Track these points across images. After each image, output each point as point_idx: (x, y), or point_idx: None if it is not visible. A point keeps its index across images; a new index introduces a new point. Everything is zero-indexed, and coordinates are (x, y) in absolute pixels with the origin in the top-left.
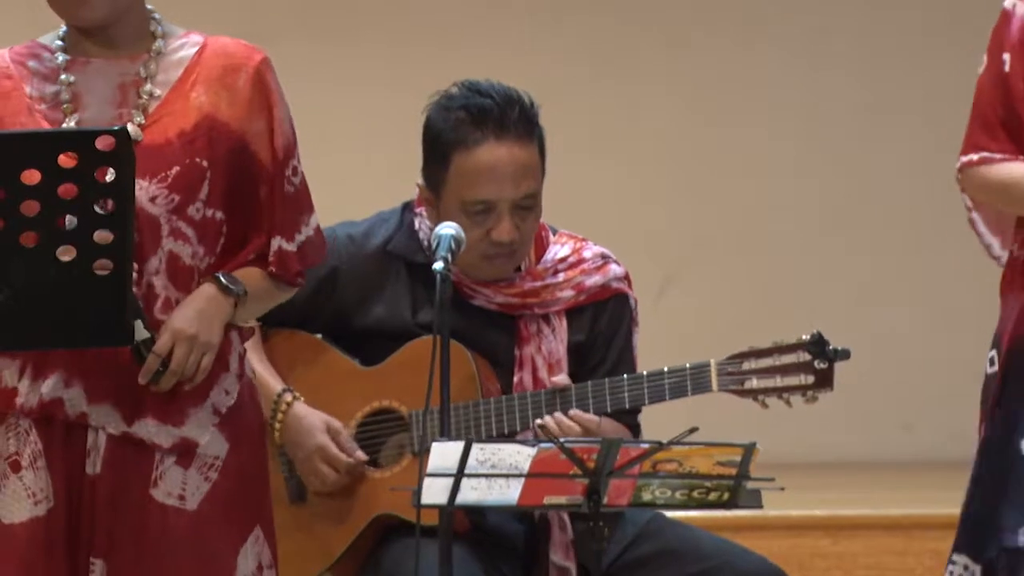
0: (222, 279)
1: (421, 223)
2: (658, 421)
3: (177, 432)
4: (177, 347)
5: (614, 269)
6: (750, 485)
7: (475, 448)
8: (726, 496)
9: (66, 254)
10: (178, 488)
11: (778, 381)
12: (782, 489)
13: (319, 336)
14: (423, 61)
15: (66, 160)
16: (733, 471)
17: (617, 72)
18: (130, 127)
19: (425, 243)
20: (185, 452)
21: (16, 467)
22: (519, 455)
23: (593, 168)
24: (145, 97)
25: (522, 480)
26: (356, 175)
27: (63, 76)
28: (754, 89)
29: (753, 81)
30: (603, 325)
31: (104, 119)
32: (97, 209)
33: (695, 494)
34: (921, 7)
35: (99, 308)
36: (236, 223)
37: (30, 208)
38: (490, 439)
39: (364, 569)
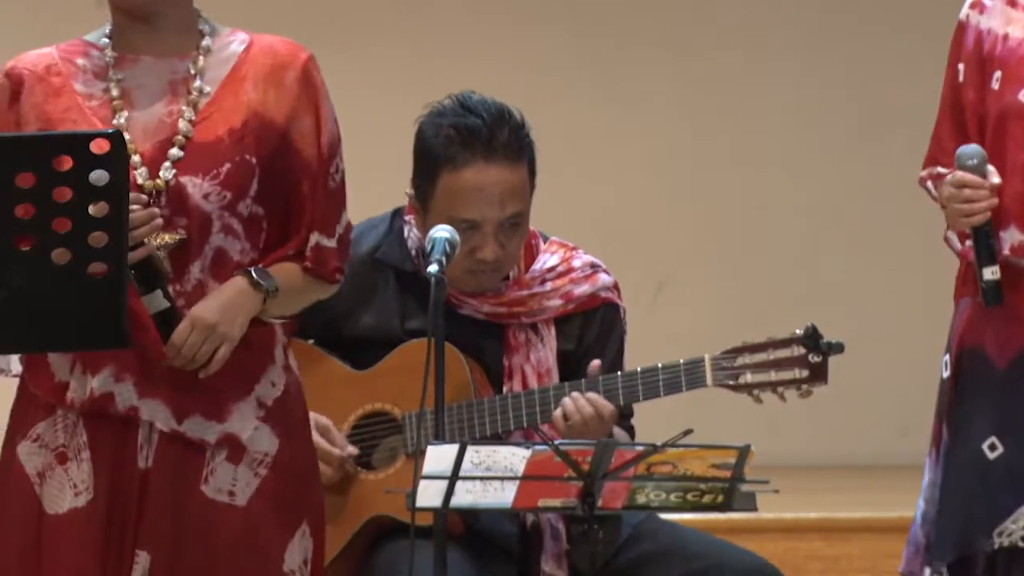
0: (253, 273)
1: (410, 231)
2: (653, 423)
3: (221, 427)
4: (194, 333)
5: (603, 278)
6: (744, 488)
7: (470, 451)
8: (720, 499)
9: (61, 257)
10: (228, 484)
11: (772, 375)
12: (776, 492)
13: (311, 342)
14: (416, 66)
15: (61, 163)
16: (727, 474)
17: (612, 74)
18: (181, 124)
19: (414, 251)
20: (233, 448)
21: (62, 459)
22: (514, 457)
23: (588, 170)
24: (195, 94)
25: (517, 483)
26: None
27: (112, 73)
28: (750, 91)
29: (749, 83)
30: (592, 334)
31: (154, 116)
32: (92, 212)
33: (689, 497)
34: (918, 11)
35: (95, 310)
36: (276, 219)
37: (25, 211)
38: (484, 440)
39: (358, 571)
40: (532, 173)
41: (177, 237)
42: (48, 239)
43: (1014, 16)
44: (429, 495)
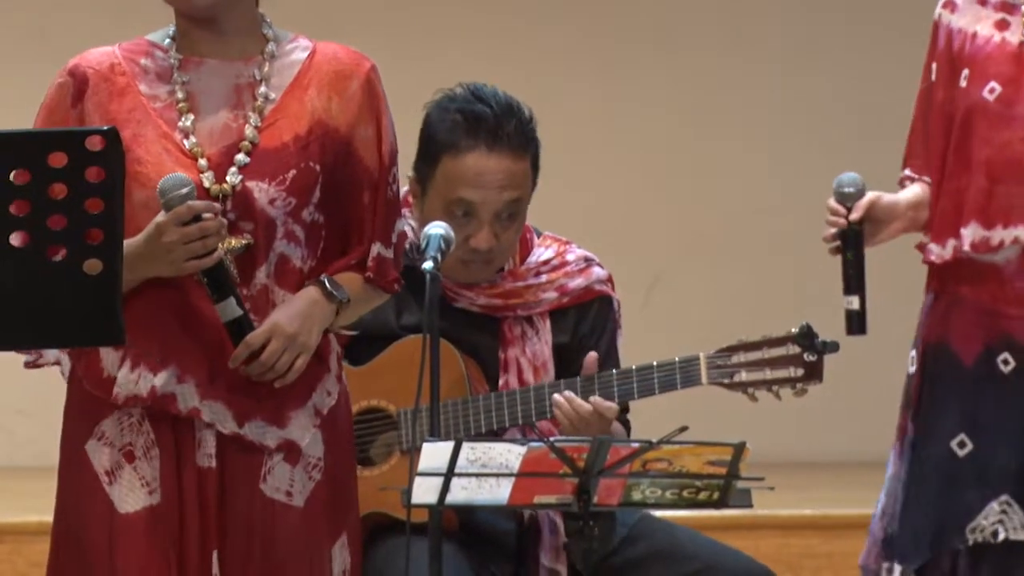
0: (327, 284)
1: (404, 223)
2: (648, 420)
3: (281, 433)
4: (273, 341)
5: (597, 272)
6: (740, 484)
7: (465, 447)
8: (716, 495)
9: (56, 254)
10: (286, 484)
11: (767, 374)
12: (772, 488)
13: None
14: (414, 61)
15: (56, 160)
16: (723, 470)
17: (609, 72)
18: (247, 130)
19: (409, 246)
20: (290, 450)
21: (130, 457)
22: (509, 454)
23: (584, 165)
24: (260, 100)
25: (512, 479)
26: None
27: (177, 75)
28: (744, 91)
29: (743, 83)
30: (587, 327)
31: (219, 120)
32: (87, 209)
33: (685, 493)
34: (908, 12)
35: (90, 307)
36: (334, 227)
37: (20, 208)
38: (479, 437)
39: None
40: (535, 169)
41: (244, 242)
42: (43, 236)
43: (983, 14)
44: (425, 492)
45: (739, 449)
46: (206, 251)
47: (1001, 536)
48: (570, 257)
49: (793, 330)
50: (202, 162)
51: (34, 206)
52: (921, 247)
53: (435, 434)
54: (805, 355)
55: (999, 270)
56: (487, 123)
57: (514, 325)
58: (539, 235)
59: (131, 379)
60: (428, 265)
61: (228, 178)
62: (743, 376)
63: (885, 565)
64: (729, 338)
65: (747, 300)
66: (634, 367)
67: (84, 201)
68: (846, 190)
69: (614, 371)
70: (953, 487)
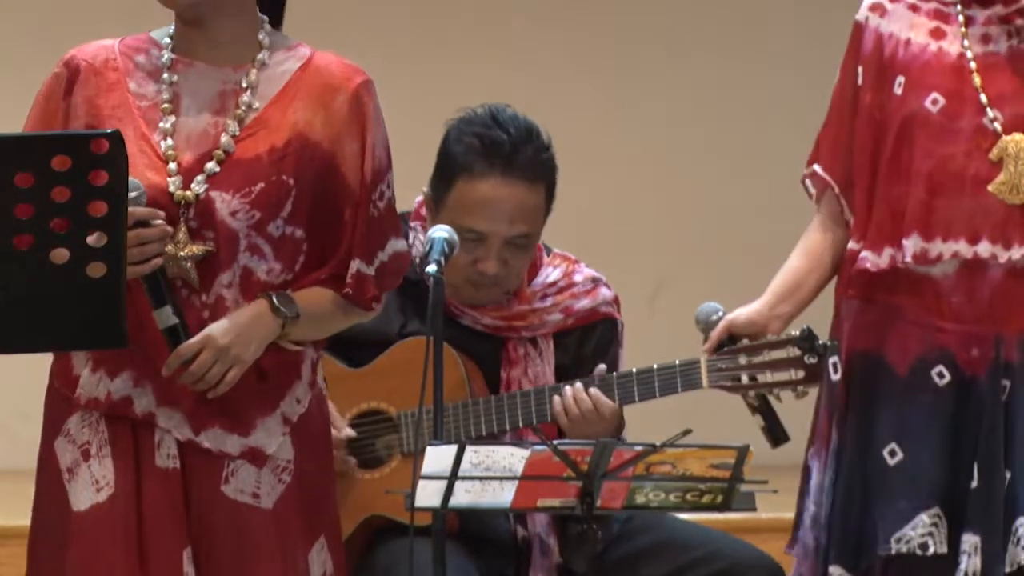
0: (274, 299)
1: (416, 237)
2: (651, 423)
3: (245, 441)
4: (205, 352)
5: (604, 293)
6: (744, 487)
7: (468, 451)
8: (720, 498)
9: (59, 257)
10: (251, 487)
11: (768, 377)
12: (775, 492)
13: None
14: (417, 69)
15: (60, 163)
16: (727, 473)
17: (612, 76)
18: (223, 139)
19: (418, 259)
20: (255, 456)
21: (87, 456)
22: (512, 457)
23: (588, 171)
24: (243, 108)
25: (516, 482)
26: None
27: (165, 75)
28: (751, 95)
29: (749, 86)
30: (589, 349)
31: (200, 125)
32: (90, 212)
33: (689, 496)
34: None
35: (93, 310)
36: (316, 242)
37: (23, 211)
38: (480, 439)
39: (356, 570)
40: (550, 197)
41: (204, 249)
42: (47, 239)
43: (916, 21)
44: (428, 495)
45: (742, 452)
46: (143, 258)
47: (931, 550)
48: (577, 278)
49: (794, 333)
50: (172, 166)
51: (37, 209)
52: (852, 255)
53: (438, 437)
54: (806, 357)
55: (936, 283)
56: (503, 149)
57: (518, 346)
58: (548, 253)
59: (92, 381)
60: (431, 268)
61: (193, 186)
62: (744, 379)
63: (825, 573)
64: (733, 340)
65: (751, 303)
66: (634, 370)
67: (87, 204)
68: (699, 323)
69: (615, 374)
70: (882, 495)
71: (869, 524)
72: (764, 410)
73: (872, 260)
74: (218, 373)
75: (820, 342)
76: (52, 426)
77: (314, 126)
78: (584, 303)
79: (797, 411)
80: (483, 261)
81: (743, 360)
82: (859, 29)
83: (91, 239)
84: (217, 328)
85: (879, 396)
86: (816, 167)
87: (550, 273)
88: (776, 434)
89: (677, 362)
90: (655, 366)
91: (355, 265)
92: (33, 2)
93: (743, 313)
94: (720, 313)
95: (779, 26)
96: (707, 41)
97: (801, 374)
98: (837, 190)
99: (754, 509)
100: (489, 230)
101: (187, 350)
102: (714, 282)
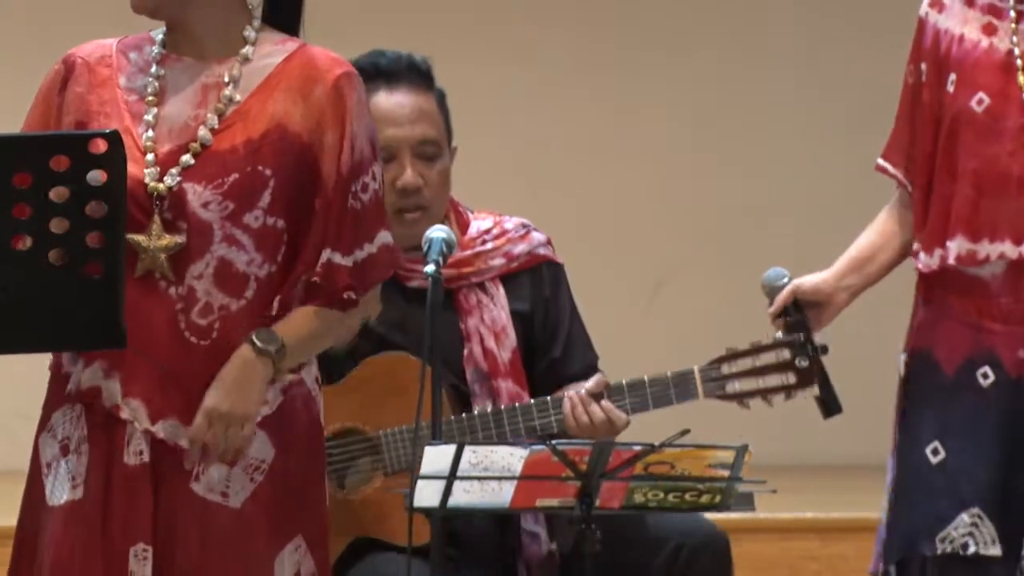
0: (256, 341)
1: None
2: (650, 423)
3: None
4: (212, 428)
5: (536, 236)
6: (742, 487)
7: (467, 451)
8: (718, 498)
9: (57, 257)
10: (221, 485)
11: (760, 383)
12: (774, 491)
13: None
14: None
15: (58, 163)
16: (725, 473)
17: (611, 76)
18: (201, 131)
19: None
20: (207, 454)
21: (65, 451)
22: (511, 457)
23: (586, 170)
24: (224, 102)
25: (514, 483)
26: None
27: (154, 69)
28: (747, 94)
29: (746, 86)
30: (545, 291)
31: (181, 118)
32: (88, 212)
33: (687, 496)
34: (911, 17)
35: (91, 311)
36: (295, 233)
37: (21, 211)
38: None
39: None
40: (444, 113)
41: (176, 241)
42: (45, 239)
43: (970, 16)
44: (426, 496)
45: (741, 452)
46: None
47: (971, 550)
48: (508, 225)
49: (779, 334)
50: (149, 157)
51: (35, 209)
52: (915, 254)
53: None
54: (797, 360)
55: (985, 284)
56: (381, 67)
57: (468, 294)
58: (471, 211)
59: (75, 372)
60: (430, 268)
61: (166, 178)
62: (736, 386)
63: (881, 568)
64: (732, 340)
65: (751, 302)
66: (624, 382)
67: (86, 204)
68: (764, 287)
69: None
70: (927, 494)
71: (914, 523)
72: (822, 381)
73: (924, 261)
74: (235, 435)
75: (808, 343)
76: (41, 422)
77: (293, 117)
78: (521, 247)
79: (799, 415)
80: (400, 177)
81: (734, 367)
82: (921, 25)
83: (89, 239)
84: (212, 398)
85: (928, 395)
86: (885, 162)
87: (481, 223)
88: (830, 405)
89: (669, 374)
90: (646, 378)
91: (326, 255)
92: (33, 2)
93: (810, 280)
94: (786, 279)
95: (779, 26)
96: (707, 41)
97: (793, 379)
98: (909, 187)
99: (752, 509)
100: (393, 137)
101: (197, 435)
102: (713, 282)
